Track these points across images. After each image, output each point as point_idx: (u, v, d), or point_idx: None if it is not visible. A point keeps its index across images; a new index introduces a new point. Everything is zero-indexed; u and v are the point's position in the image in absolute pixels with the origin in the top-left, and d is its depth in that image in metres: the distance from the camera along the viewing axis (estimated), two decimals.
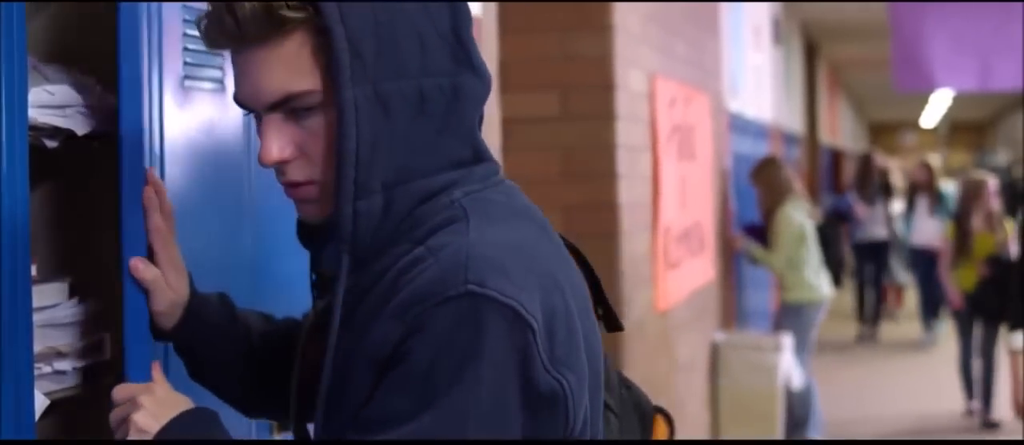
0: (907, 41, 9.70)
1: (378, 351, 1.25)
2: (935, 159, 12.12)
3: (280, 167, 1.33)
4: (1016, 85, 9.68)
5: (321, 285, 1.45)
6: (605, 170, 4.43)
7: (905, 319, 13.01)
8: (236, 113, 1.96)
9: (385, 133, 1.30)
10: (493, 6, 3.48)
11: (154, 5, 1.78)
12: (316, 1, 1.29)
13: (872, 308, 12.17)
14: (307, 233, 1.43)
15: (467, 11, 1.38)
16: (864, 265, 12.08)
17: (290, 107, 1.31)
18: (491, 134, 3.40)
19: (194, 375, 1.63)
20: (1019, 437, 7.66)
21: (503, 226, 1.32)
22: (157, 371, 1.50)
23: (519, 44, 4.28)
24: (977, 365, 8.21)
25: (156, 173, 1.61)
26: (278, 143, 1.32)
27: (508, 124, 3.75)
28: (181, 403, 1.42)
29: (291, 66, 1.29)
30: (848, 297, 12.94)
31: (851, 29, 14.10)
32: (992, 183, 8.23)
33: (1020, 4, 9.27)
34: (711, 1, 7.02)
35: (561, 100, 4.48)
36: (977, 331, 8.10)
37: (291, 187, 1.35)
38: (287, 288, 1.91)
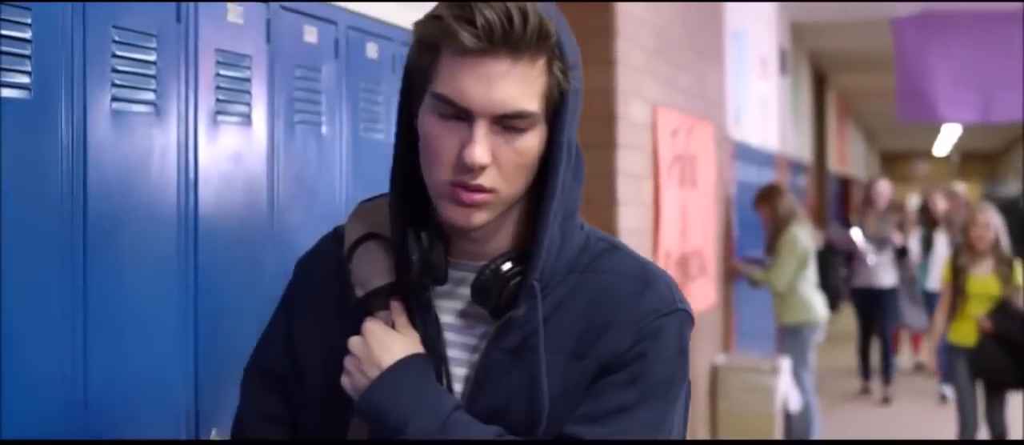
0: (911, 73, 9.83)
1: (606, 355, 1.50)
2: (961, 188, 10.44)
3: (469, 170, 1.43)
4: (1016, 118, 9.77)
5: (367, 302, 1.53)
6: (606, 197, 4.64)
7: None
8: (260, 147, 2.16)
9: (567, 174, 1.50)
10: None
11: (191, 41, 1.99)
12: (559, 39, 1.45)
13: (882, 363, 9.81)
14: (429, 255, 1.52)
15: None
16: (864, 314, 9.86)
17: (510, 122, 1.43)
18: None
19: None
20: None
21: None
22: (395, 308, 1.54)
23: None
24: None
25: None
26: (484, 148, 1.42)
27: None
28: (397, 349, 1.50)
29: (531, 87, 1.43)
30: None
31: (859, 59, 14.24)
32: (993, 216, 6.55)
33: (1022, 39, 9.41)
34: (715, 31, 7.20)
35: None
36: (980, 395, 6.54)
37: (470, 191, 1.45)
38: None
